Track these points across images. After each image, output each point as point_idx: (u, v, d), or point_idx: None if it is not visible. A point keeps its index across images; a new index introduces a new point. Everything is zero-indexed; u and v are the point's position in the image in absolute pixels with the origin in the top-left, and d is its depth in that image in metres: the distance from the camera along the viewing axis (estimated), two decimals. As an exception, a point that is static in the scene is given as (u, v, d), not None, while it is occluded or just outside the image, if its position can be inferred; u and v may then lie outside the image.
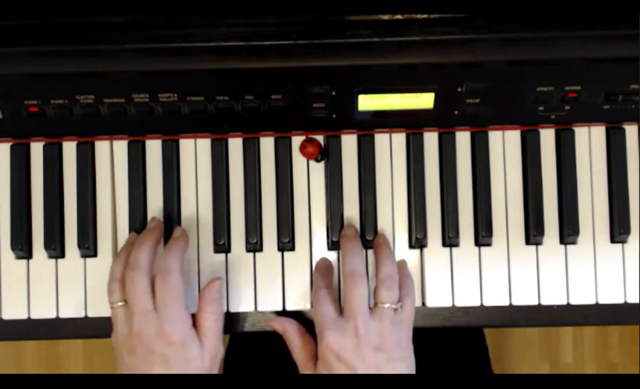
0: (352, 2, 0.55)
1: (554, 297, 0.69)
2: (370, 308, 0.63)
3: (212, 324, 0.64)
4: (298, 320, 0.68)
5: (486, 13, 0.55)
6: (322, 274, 0.67)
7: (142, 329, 0.60)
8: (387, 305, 0.63)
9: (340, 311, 0.64)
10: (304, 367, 0.65)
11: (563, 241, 0.69)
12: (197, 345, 0.62)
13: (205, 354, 0.62)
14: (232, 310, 0.69)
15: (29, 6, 0.55)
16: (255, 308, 0.69)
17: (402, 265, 0.69)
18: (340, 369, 0.61)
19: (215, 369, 0.65)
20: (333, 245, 0.69)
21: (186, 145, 0.70)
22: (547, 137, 0.69)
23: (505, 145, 0.69)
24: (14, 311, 0.69)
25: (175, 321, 0.61)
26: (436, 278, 0.69)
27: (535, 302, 0.69)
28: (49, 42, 0.56)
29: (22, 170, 0.69)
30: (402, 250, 0.70)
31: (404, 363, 0.63)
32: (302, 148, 0.69)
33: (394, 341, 0.62)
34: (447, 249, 0.69)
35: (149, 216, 0.69)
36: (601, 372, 1.56)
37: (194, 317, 0.64)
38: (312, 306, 0.68)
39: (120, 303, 0.63)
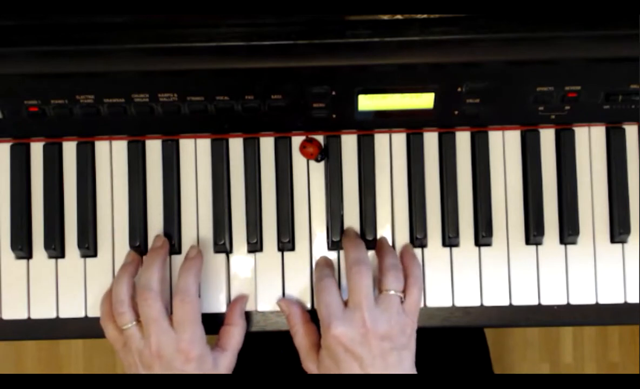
0: (352, 2, 0.55)
1: (554, 297, 0.69)
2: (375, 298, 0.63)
3: (236, 339, 0.67)
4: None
5: (486, 13, 0.55)
6: (324, 266, 0.67)
7: (161, 348, 0.62)
8: (392, 292, 0.63)
9: (345, 302, 0.64)
10: (307, 354, 0.65)
11: (563, 241, 0.69)
12: (211, 359, 0.64)
13: (219, 367, 0.65)
14: (232, 310, 0.69)
15: (29, 6, 0.55)
16: (256, 308, 0.69)
17: (407, 250, 0.69)
18: (347, 360, 0.61)
19: None
20: (333, 245, 0.69)
21: (186, 145, 0.70)
22: (547, 137, 0.69)
23: (505, 145, 0.69)
24: (14, 311, 0.69)
25: (194, 340, 0.63)
26: (436, 278, 0.69)
27: (535, 302, 0.69)
28: (49, 42, 0.56)
29: (22, 170, 0.69)
30: (402, 250, 0.70)
31: (409, 352, 0.63)
32: (302, 148, 0.69)
33: (400, 329, 0.62)
34: (447, 249, 0.69)
35: (149, 216, 0.69)
36: (601, 372, 1.56)
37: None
38: (314, 296, 0.69)
39: (130, 325, 0.64)
